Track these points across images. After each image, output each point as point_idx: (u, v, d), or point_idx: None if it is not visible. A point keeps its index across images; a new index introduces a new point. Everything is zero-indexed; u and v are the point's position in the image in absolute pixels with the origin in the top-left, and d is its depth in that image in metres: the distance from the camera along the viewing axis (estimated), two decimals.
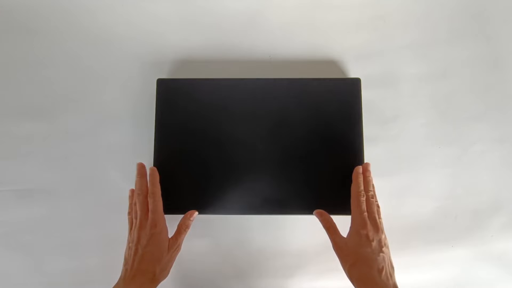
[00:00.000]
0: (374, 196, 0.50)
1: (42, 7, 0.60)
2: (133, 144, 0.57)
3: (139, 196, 0.49)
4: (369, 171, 0.52)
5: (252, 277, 0.56)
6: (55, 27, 0.60)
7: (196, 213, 0.53)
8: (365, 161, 0.54)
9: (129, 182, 0.55)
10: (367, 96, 0.56)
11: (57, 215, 0.56)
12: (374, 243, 0.46)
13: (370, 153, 0.55)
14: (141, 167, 0.51)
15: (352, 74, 0.59)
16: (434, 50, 0.60)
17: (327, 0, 0.61)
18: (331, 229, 0.49)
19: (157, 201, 0.49)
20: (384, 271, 0.45)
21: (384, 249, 0.46)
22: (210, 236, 0.56)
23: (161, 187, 0.51)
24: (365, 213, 0.48)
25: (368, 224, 0.47)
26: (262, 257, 0.56)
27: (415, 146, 0.58)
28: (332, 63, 0.59)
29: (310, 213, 0.53)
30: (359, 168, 0.52)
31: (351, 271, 0.46)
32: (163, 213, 0.49)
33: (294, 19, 0.60)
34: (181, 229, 0.50)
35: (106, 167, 0.57)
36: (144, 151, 0.55)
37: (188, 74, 0.59)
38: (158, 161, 0.54)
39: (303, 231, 0.56)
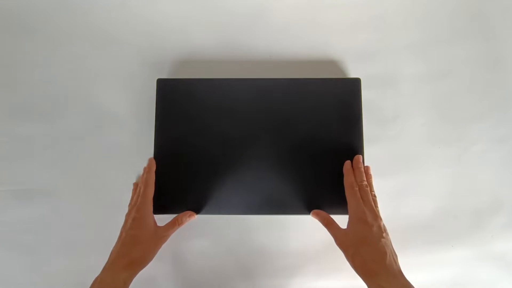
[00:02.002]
0: (368, 186, 0.50)
1: (43, 7, 0.60)
2: (133, 144, 0.57)
3: (136, 185, 0.54)
4: (360, 163, 0.52)
5: (252, 277, 0.56)
6: (55, 27, 0.60)
7: (195, 217, 0.53)
8: (365, 161, 0.54)
9: (129, 181, 0.56)
10: (367, 96, 0.56)
11: (57, 215, 0.56)
12: (375, 228, 0.46)
13: (370, 153, 0.55)
14: (150, 162, 0.54)
15: (352, 74, 0.59)
16: (434, 50, 0.60)
17: (327, 0, 0.61)
18: (329, 225, 0.49)
19: (147, 186, 0.50)
20: (387, 256, 0.44)
21: (384, 234, 0.46)
22: (211, 236, 0.56)
23: (161, 186, 0.51)
24: (361, 201, 0.48)
25: (366, 210, 0.47)
26: (263, 257, 0.56)
27: (415, 146, 0.58)
28: (332, 63, 0.59)
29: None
30: (348, 164, 0.52)
31: (355, 260, 0.45)
32: (151, 200, 0.50)
33: (294, 19, 0.60)
34: (175, 223, 0.51)
35: (106, 167, 0.57)
36: (144, 151, 0.55)
37: (188, 74, 0.59)
38: (158, 161, 0.54)
39: (304, 231, 0.56)
